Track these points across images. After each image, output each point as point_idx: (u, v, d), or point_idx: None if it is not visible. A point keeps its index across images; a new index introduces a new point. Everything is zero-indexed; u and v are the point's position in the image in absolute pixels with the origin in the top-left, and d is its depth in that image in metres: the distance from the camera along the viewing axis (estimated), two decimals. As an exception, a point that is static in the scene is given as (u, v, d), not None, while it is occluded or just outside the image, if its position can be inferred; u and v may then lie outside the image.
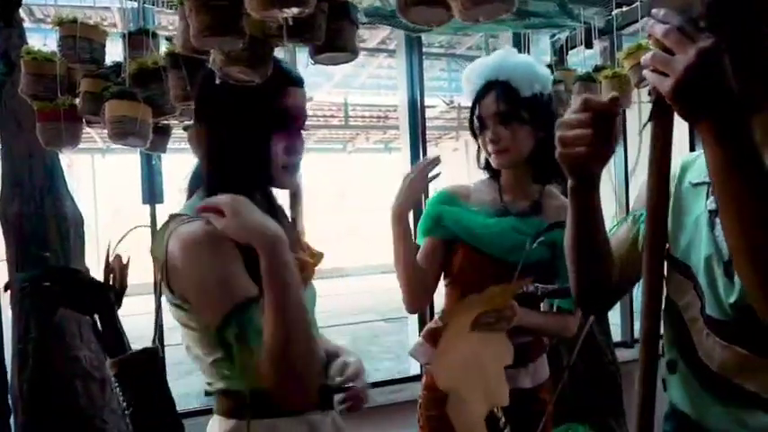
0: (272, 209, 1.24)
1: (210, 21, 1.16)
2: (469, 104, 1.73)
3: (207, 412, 1.25)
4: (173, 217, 1.13)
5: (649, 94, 0.83)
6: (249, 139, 1.14)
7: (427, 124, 5.67)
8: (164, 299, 1.15)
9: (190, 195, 1.21)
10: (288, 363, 0.99)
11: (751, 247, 0.78)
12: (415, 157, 4.46)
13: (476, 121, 1.70)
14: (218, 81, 1.20)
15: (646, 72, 0.80)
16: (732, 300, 0.95)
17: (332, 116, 9.78)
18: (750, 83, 0.91)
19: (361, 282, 12.19)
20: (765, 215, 0.76)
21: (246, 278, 1.05)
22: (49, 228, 2.42)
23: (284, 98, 1.18)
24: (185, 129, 2.03)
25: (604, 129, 0.90)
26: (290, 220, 1.31)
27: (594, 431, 2.87)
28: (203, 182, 1.16)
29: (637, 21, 2.63)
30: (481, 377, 1.12)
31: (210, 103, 1.19)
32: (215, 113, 1.17)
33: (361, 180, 14.77)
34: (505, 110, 1.63)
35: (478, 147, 1.75)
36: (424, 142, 4.73)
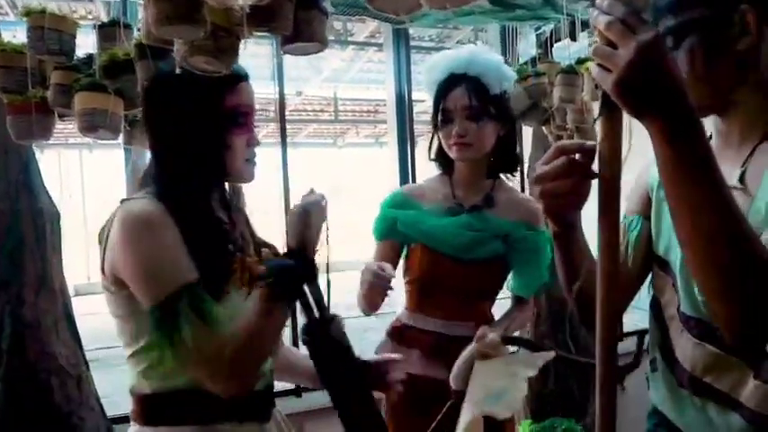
0: (227, 204, 1.23)
1: (169, 9, 1.13)
2: (429, 96, 1.72)
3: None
4: (123, 201, 1.13)
5: (596, 87, 0.80)
6: (208, 135, 1.14)
7: (417, 118, 5.60)
8: None
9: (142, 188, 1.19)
10: (247, 360, 1.07)
11: (702, 246, 0.75)
12: (403, 151, 4.43)
13: (440, 113, 1.68)
14: (178, 71, 1.17)
15: (591, 66, 0.77)
16: (704, 297, 0.93)
17: (322, 111, 9.74)
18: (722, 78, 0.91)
19: (353, 277, 12.16)
20: (712, 214, 0.73)
21: (189, 261, 1.07)
22: (24, 223, 2.38)
23: (237, 95, 1.19)
24: (130, 124, 1.96)
25: (582, 171, 0.84)
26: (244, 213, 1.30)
27: (578, 426, 2.86)
28: (157, 178, 1.15)
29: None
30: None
31: (166, 100, 1.18)
32: (170, 110, 1.16)
33: (352, 175, 14.73)
34: (476, 105, 1.63)
35: (432, 137, 1.75)
36: (412, 136, 4.70)
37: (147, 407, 1.12)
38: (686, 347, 1.00)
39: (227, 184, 1.27)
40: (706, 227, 0.73)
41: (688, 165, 0.73)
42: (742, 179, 0.93)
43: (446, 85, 1.67)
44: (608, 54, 0.73)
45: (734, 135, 0.98)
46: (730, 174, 0.95)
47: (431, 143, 1.78)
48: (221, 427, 1.12)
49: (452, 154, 1.69)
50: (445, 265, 1.65)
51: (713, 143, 1.02)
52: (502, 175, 1.78)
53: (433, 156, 1.78)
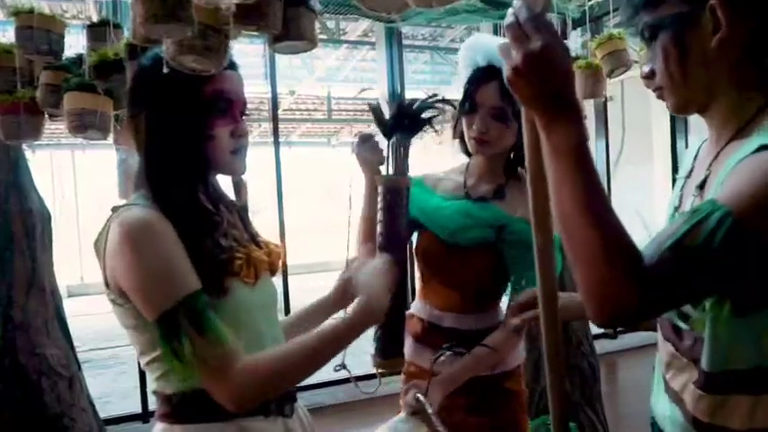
0: (217, 198, 1.21)
1: (156, 8, 1.12)
2: (462, 77, 1.68)
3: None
4: (115, 208, 1.11)
5: None
6: (187, 126, 1.11)
7: (410, 117, 5.52)
8: None
9: (137, 189, 1.18)
10: (284, 381, 1.12)
11: (561, 225, 0.82)
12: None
13: (468, 101, 1.65)
14: (165, 70, 1.16)
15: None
16: None
17: (315, 110, 9.72)
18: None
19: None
20: (568, 199, 0.80)
21: (191, 270, 1.05)
22: (14, 223, 2.37)
23: (217, 82, 1.15)
24: (121, 124, 1.96)
25: None
26: (236, 207, 1.27)
27: (572, 424, 2.87)
28: (144, 175, 1.13)
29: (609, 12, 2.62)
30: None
31: (145, 94, 1.16)
32: (150, 103, 1.14)
33: (346, 174, 14.71)
34: (505, 107, 1.60)
35: (457, 119, 1.71)
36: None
37: (172, 406, 1.11)
38: (659, 344, 1.05)
39: (228, 179, 1.25)
40: (566, 210, 0.80)
41: (558, 156, 0.81)
42: (703, 184, 0.93)
43: (481, 74, 1.63)
44: (506, 52, 0.81)
45: (713, 134, 0.97)
46: (698, 177, 0.95)
47: (456, 124, 1.75)
48: (247, 423, 1.11)
49: (471, 146, 1.67)
50: (436, 248, 1.62)
51: (707, 143, 1.03)
52: (522, 171, 1.75)
53: (457, 135, 1.76)
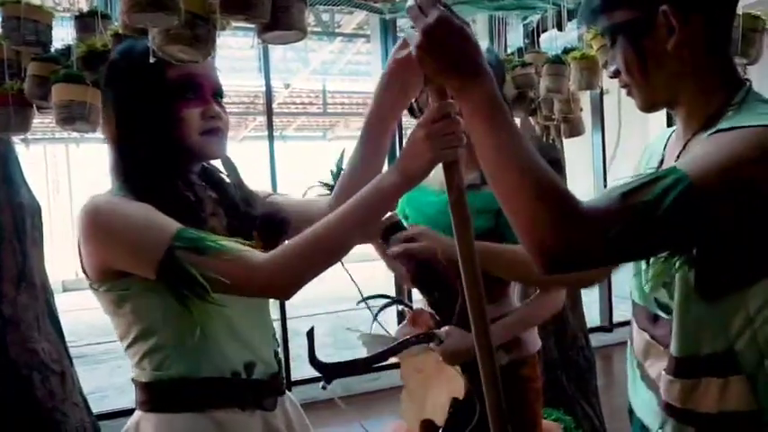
0: (213, 184, 1.20)
1: (141, -4, 1.10)
2: None
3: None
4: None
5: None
6: (153, 111, 1.11)
7: (405, 111, 5.48)
8: None
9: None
10: (320, 251, 1.06)
11: (491, 179, 0.87)
12: (391, 143, 4.40)
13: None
14: (152, 60, 1.14)
15: None
16: (646, 288, 0.99)
17: (310, 103, 9.68)
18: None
19: (338, 268, 12.09)
20: (492, 149, 0.85)
21: (164, 217, 1.05)
22: (3, 217, 2.35)
23: (183, 66, 1.15)
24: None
25: None
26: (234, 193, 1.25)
27: (568, 417, 2.87)
28: (117, 166, 1.13)
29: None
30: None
31: (110, 85, 1.17)
32: (115, 93, 1.15)
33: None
34: None
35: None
36: (400, 128, 4.68)
37: (147, 395, 1.12)
38: (634, 333, 1.06)
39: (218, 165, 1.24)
40: (491, 163, 0.85)
41: (475, 115, 0.86)
42: None
43: None
44: (410, 34, 0.88)
45: (680, 128, 1.00)
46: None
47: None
48: (221, 415, 1.10)
49: None
50: None
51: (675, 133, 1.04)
52: None
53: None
